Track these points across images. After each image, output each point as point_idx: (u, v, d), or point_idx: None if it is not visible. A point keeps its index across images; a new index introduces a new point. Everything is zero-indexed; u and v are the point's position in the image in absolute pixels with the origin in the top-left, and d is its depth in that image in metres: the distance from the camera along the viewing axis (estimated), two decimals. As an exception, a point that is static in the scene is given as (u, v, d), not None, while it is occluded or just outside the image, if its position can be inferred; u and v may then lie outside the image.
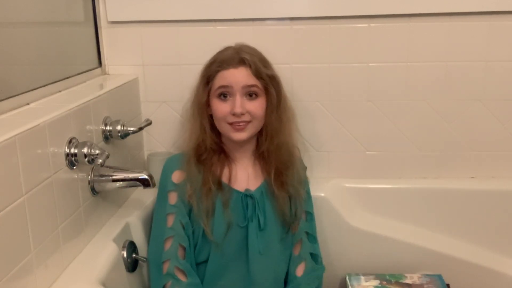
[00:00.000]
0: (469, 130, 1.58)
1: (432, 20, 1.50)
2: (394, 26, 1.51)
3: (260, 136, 1.33)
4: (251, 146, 1.34)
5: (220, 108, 1.25)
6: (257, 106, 1.25)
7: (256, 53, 1.29)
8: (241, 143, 1.31)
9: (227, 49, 1.31)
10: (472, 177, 1.62)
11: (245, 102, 1.24)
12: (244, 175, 1.33)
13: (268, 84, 1.26)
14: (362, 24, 1.52)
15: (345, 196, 1.58)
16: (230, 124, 1.25)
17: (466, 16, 1.49)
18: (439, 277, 1.41)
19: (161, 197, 1.31)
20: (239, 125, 1.25)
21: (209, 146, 1.30)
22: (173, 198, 1.29)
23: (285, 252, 1.35)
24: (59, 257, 1.07)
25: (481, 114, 1.56)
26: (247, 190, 1.31)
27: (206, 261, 1.29)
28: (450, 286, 1.41)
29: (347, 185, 1.60)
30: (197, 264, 1.30)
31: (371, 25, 1.52)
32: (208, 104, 1.29)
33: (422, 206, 1.57)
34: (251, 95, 1.25)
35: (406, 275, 1.42)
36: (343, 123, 1.60)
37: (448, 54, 1.52)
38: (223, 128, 1.27)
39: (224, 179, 1.31)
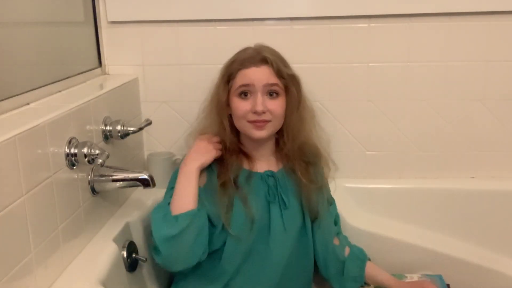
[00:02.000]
0: (469, 130, 1.58)
1: (432, 20, 1.50)
2: (394, 26, 1.51)
3: (281, 137, 1.32)
4: (270, 146, 1.34)
5: (241, 106, 1.24)
6: (277, 105, 1.25)
7: (276, 53, 1.29)
8: (261, 142, 1.30)
9: (247, 49, 1.30)
10: (472, 177, 1.62)
11: (266, 100, 1.24)
12: (264, 165, 1.33)
13: (288, 83, 1.26)
14: (362, 24, 1.52)
15: (345, 196, 1.57)
16: (250, 122, 1.25)
17: (466, 16, 1.49)
18: (439, 277, 1.41)
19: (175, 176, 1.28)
20: (259, 123, 1.24)
21: (228, 145, 1.30)
22: None
23: (306, 236, 1.33)
24: (59, 257, 1.07)
25: (481, 114, 1.56)
26: (267, 171, 1.32)
27: (222, 248, 1.26)
28: (450, 286, 1.41)
29: (347, 185, 1.60)
30: (213, 252, 1.26)
31: (371, 25, 1.52)
32: (228, 104, 1.28)
33: (422, 206, 1.57)
34: (271, 94, 1.25)
35: (406, 275, 1.42)
36: (343, 123, 1.60)
37: (448, 54, 1.52)
38: (243, 126, 1.26)
39: (245, 166, 1.31)
